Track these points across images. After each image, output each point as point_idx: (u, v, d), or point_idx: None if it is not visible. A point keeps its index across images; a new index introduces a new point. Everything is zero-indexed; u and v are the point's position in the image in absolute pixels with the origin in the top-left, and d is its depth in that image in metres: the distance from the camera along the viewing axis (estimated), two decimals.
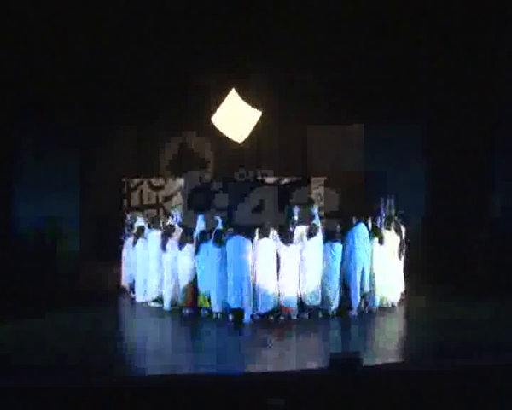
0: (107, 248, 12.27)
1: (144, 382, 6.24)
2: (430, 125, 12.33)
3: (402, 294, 9.96)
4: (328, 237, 9.22)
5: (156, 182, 13.39)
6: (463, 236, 11.37)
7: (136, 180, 13.38)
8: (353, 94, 12.25)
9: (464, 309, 9.48)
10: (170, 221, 10.48)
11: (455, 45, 11.12)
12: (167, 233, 9.87)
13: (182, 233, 9.78)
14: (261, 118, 11.68)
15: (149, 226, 10.53)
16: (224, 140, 11.77)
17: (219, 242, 9.05)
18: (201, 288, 9.22)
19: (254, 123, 11.57)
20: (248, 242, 9.02)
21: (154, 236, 10.16)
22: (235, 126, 11.52)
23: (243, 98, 11.46)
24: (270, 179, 12.88)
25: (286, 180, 12.92)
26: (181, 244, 9.60)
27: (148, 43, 11.12)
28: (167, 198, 13.37)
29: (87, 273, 11.94)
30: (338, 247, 9.13)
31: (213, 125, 11.60)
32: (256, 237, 9.02)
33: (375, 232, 9.53)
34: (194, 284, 9.35)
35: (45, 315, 9.31)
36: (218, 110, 11.57)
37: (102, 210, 12.97)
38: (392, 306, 9.66)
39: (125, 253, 11.18)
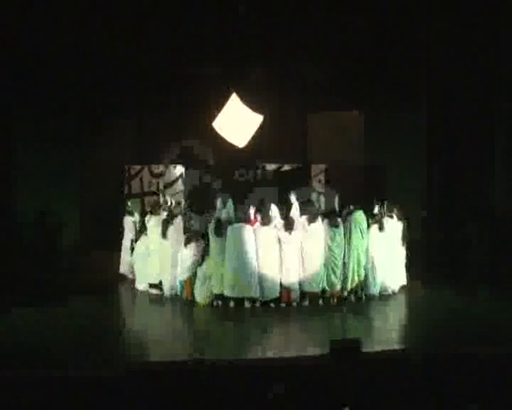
0: (108, 236, 12.11)
1: (142, 368, 6.15)
2: (434, 114, 11.73)
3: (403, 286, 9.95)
4: (329, 224, 9.21)
5: (157, 168, 13.28)
6: (466, 228, 11.22)
7: (137, 167, 13.28)
8: (354, 81, 12.04)
9: (464, 298, 9.44)
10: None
11: (461, 26, 10.79)
12: (168, 220, 9.84)
13: (189, 234, 9.51)
14: (262, 106, 11.52)
15: (151, 212, 10.39)
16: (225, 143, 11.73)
17: (219, 232, 9.02)
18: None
19: (256, 127, 11.52)
20: (250, 230, 9.01)
21: (154, 222, 10.03)
22: (236, 131, 11.49)
23: (244, 94, 11.34)
24: (270, 167, 12.90)
25: (286, 167, 12.88)
26: (186, 241, 9.43)
27: (149, 31, 10.98)
28: (168, 185, 13.20)
29: (87, 263, 11.84)
30: (339, 232, 9.12)
31: (214, 130, 11.51)
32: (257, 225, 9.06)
33: (375, 219, 9.52)
34: (193, 277, 9.29)
35: (43, 305, 9.14)
36: (219, 115, 11.50)
37: (103, 198, 12.89)
38: (393, 293, 9.62)
39: (125, 240, 11.10)
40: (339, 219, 9.19)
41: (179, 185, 13.17)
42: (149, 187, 13.30)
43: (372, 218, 9.61)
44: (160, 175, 13.28)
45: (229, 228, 9.03)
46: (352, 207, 9.49)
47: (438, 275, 10.47)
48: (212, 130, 11.56)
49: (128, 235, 11.01)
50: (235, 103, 11.53)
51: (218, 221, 9.14)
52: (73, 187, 12.50)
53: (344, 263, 9.25)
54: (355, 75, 12.00)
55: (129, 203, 11.57)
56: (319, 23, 10.96)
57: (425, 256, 11.16)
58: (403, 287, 9.88)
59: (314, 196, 12.46)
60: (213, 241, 9.10)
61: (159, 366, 6.37)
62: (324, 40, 11.32)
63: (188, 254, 9.39)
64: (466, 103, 11.17)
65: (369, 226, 9.44)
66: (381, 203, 9.79)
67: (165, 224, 9.81)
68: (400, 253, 9.98)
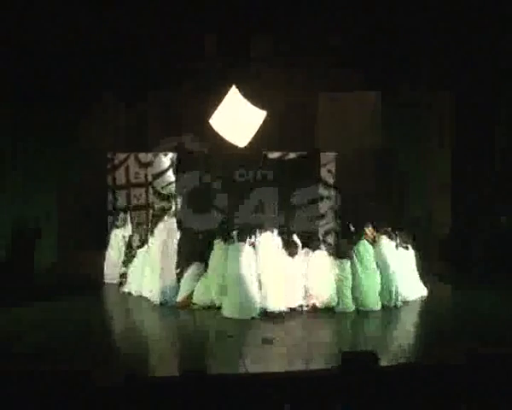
0: (90, 234, 12.23)
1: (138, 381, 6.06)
2: (461, 94, 11.80)
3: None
4: (336, 255, 9.66)
5: (144, 157, 12.99)
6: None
7: (122, 155, 12.99)
8: (369, 56, 11.91)
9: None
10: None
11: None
12: (158, 215, 9.81)
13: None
14: (264, 88, 11.58)
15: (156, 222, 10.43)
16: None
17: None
18: None
19: (259, 125, 11.34)
20: (250, 251, 9.28)
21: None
22: (236, 129, 11.31)
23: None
24: (273, 155, 12.56)
25: (292, 155, 12.58)
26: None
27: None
28: (156, 176, 12.85)
29: (68, 264, 11.84)
30: (346, 263, 9.45)
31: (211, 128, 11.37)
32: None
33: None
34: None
35: (17, 309, 9.30)
36: (217, 111, 11.27)
37: (84, 192, 12.71)
38: (408, 302, 9.69)
39: (109, 254, 11.20)
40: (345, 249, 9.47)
41: (169, 176, 12.77)
42: (136, 178, 12.99)
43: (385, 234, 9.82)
44: (149, 164, 12.95)
45: (230, 248, 9.32)
46: (352, 228, 9.71)
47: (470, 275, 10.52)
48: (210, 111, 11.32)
49: (115, 252, 11.04)
50: (234, 97, 11.28)
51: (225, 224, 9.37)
52: (50, 180, 12.41)
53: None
54: (371, 47, 11.74)
55: (120, 215, 11.63)
56: None
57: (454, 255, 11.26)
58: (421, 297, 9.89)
59: (323, 191, 12.59)
60: (218, 247, 9.42)
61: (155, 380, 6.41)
62: (337, 7, 11.07)
63: (186, 276, 9.59)
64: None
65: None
66: (394, 234, 9.93)
67: (155, 220, 9.86)
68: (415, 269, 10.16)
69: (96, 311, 9.50)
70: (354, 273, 9.47)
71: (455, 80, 11.42)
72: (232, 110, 11.30)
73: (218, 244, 9.55)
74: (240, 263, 9.15)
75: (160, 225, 9.91)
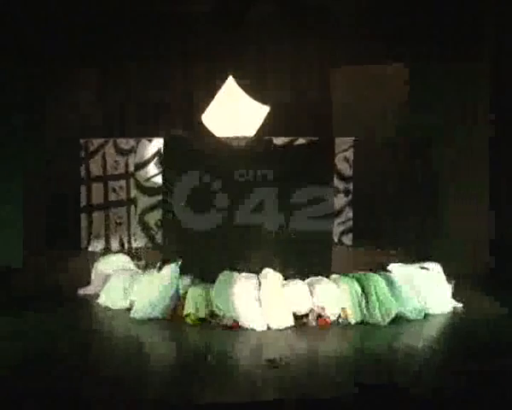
0: (61, 232, 12.32)
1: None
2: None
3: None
4: None
5: (125, 144, 12.85)
6: None
7: (98, 141, 12.82)
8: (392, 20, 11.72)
9: None
10: None
11: None
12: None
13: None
14: (268, 61, 11.57)
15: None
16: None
17: None
18: None
19: (260, 122, 11.37)
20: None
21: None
22: (233, 127, 11.25)
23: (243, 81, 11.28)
24: (279, 141, 12.20)
25: (301, 141, 12.37)
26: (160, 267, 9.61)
27: None
28: (140, 165, 12.94)
29: (34, 268, 11.51)
30: None
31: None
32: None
33: None
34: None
35: None
36: (211, 105, 11.31)
37: (52, 185, 12.70)
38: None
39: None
40: None
41: (154, 167, 12.82)
42: (115, 168, 12.86)
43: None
44: (130, 152, 12.83)
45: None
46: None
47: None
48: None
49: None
50: (231, 90, 11.28)
51: None
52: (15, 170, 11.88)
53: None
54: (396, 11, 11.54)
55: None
56: None
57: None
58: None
59: (338, 184, 12.57)
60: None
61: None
62: None
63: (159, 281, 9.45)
64: None
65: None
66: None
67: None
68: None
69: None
70: None
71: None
72: (228, 105, 11.29)
73: None
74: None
75: None
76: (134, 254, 11.22)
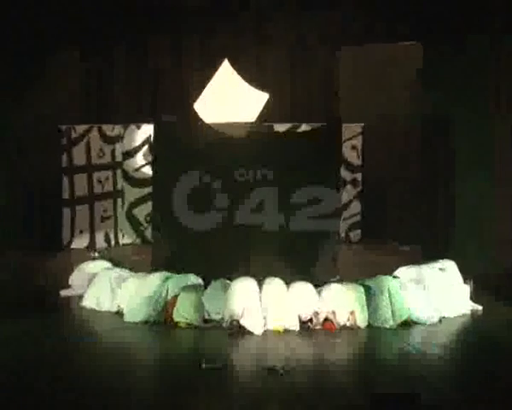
0: (42, 230, 12.41)
1: None
2: None
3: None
4: None
5: (111, 130, 12.77)
6: None
7: (82, 127, 12.73)
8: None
9: None
10: None
11: None
12: None
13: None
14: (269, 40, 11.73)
15: None
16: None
17: None
18: None
19: (259, 110, 11.31)
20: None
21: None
22: (229, 116, 11.16)
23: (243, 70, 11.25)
24: (281, 128, 12.26)
25: (304, 128, 12.24)
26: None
27: None
28: (127, 154, 12.89)
29: (10, 268, 11.27)
30: None
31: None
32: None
33: None
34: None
35: None
36: (205, 91, 11.27)
37: (32, 174, 12.62)
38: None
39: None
40: None
41: (143, 156, 12.82)
42: (100, 157, 12.79)
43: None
44: (117, 140, 12.77)
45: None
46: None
47: None
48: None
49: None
50: (227, 75, 11.26)
51: None
52: None
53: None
54: None
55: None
56: None
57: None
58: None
59: (346, 174, 12.47)
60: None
61: None
62: None
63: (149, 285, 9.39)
64: None
65: None
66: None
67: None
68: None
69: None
70: None
71: None
72: (223, 92, 11.30)
73: None
74: None
75: None
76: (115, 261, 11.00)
